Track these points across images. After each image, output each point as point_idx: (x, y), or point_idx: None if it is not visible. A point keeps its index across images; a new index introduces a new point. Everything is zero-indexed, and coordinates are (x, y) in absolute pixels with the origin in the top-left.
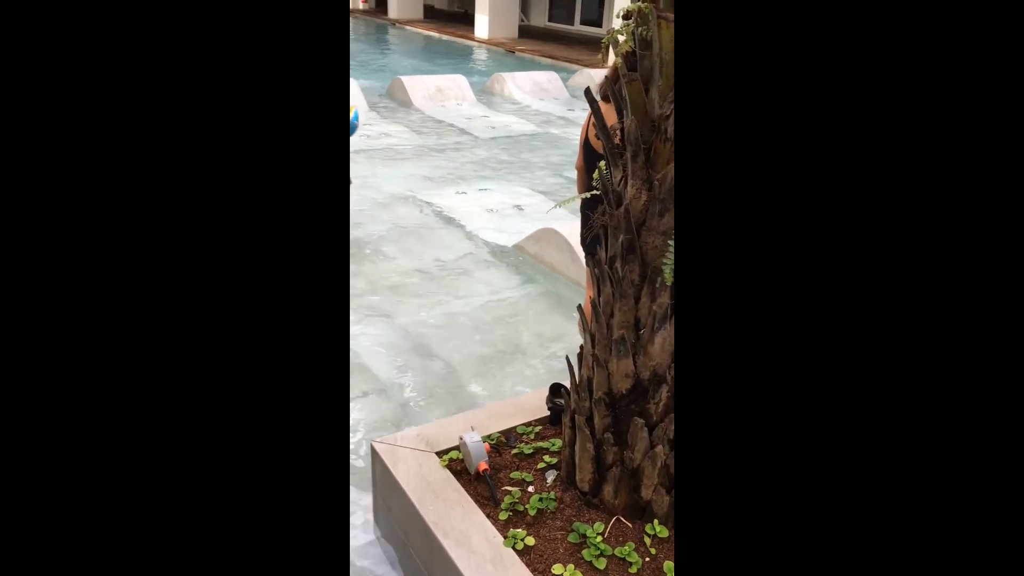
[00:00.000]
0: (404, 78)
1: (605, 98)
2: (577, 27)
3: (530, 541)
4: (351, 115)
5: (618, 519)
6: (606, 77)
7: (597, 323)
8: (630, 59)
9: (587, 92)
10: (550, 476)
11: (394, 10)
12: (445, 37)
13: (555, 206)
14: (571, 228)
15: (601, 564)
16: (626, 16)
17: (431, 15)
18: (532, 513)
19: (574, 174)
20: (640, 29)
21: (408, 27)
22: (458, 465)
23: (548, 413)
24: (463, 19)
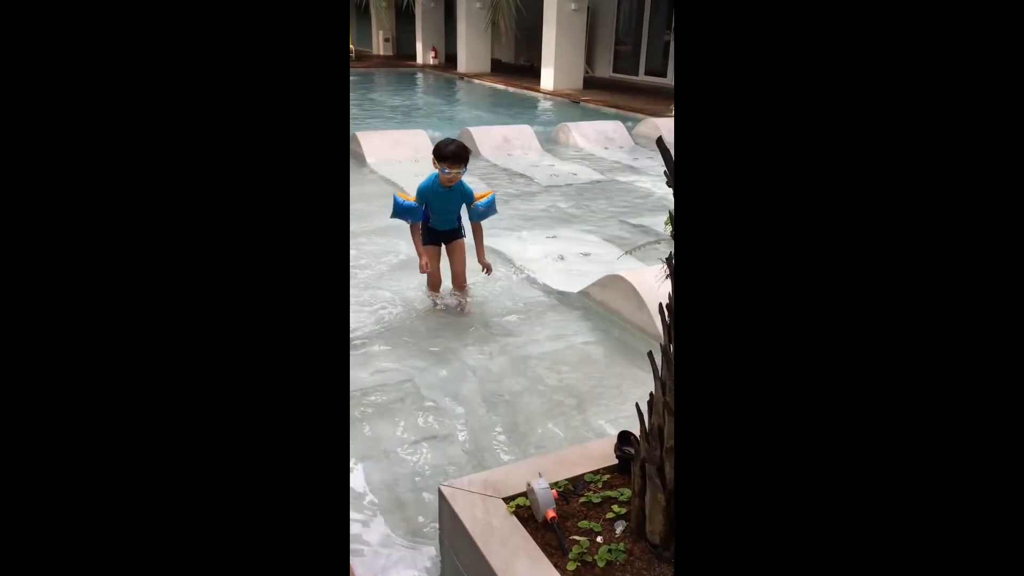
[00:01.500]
0: (472, 129)
1: None
2: (642, 77)
3: None
4: (489, 198)
5: None
6: None
7: (668, 370)
8: None
9: (659, 141)
10: (619, 527)
11: (463, 64)
12: (511, 89)
13: (624, 253)
14: (637, 275)
15: None
16: None
17: (498, 69)
18: (601, 565)
19: (639, 220)
20: None
21: (476, 80)
22: (525, 512)
23: (616, 461)
24: (529, 72)
